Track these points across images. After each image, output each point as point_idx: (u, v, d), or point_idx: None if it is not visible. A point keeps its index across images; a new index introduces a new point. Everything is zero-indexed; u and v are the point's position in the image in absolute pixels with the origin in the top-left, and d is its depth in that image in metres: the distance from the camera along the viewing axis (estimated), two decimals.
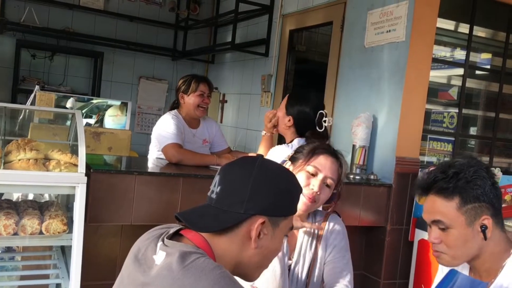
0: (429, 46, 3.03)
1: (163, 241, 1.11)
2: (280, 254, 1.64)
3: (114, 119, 4.90)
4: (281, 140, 3.53)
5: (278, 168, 1.23)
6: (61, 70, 5.79)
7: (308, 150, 1.72)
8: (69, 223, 2.10)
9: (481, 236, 1.37)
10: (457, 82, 3.44)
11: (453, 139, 3.41)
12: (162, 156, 2.94)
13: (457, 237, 1.38)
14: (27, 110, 3.24)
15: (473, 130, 3.77)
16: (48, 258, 2.40)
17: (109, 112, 4.96)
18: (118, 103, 4.93)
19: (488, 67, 3.73)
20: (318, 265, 1.75)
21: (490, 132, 3.68)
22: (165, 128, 2.95)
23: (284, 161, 1.79)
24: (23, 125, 3.10)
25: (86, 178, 2.05)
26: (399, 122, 2.96)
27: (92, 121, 5.00)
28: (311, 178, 1.67)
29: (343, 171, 1.74)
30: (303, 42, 4.65)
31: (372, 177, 3.00)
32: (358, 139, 3.03)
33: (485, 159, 3.65)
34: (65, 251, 2.36)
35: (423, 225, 2.95)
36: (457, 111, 3.41)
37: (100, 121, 4.93)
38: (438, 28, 3.10)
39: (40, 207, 2.20)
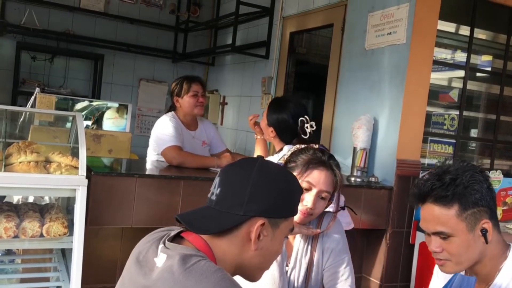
0: (430, 48, 3.03)
1: (164, 243, 1.11)
2: (278, 258, 1.63)
3: (114, 121, 4.90)
4: None
5: (278, 170, 1.23)
6: (62, 73, 5.79)
7: (301, 163, 1.68)
8: (70, 226, 2.10)
9: (482, 240, 1.36)
10: (458, 84, 3.44)
11: (454, 141, 3.41)
12: (161, 159, 2.93)
13: (459, 244, 1.36)
14: (28, 113, 3.24)
15: (474, 132, 3.77)
16: (49, 261, 2.40)
17: (107, 115, 4.96)
18: (116, 105, 4.93)
19: (489, 69, 3.73)
20: (315, 269, 1.73)
21: (491, 134, 3.67)
22: (163, 131, 2.93)
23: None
24: (23, 128, 3.10)
25: (86, 180, 2.05)
26: (400, 125, 2.96)
27: (89, 122, 4.99)
28: (305, 193, 1.66)
29: (339, 180, 1.72)
30: (303, 44, 4.65)
31: (372, 179, 3.00)
32: (359, 141, 3.03)
33: (486, 161, 3.64)
34: (65, 254, 2.35)
35: None
36: (458, 113, 3.40)
37: (96, 122, 4.92)
38: (438, 30, 3.10)
39: (40, 210, 2.20)
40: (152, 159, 3.08)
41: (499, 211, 3.21)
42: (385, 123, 3.06)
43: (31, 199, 2.59)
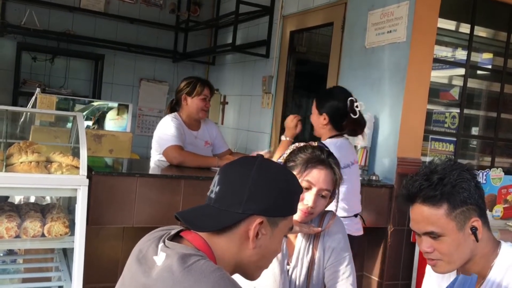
0: (430, 46, 3.03)
1: (164, 242, 1.11)
2: (279, 256, 1.63)
3: (116, 122, 4.90)
4: None
5: (277, 168, 1.22)
6: (62, 73, 5.79)
7: (301, 163, 1.68)
8: (71, 226, 2.10)
9: (472, 239, 1.36)
10: (459, 82, 3.44)
11: (455, 139, 3.40)
12: (163, 159, 2.94)
13: (450, 243, 1.36)
14: (28, 113, 3.24)
15: (474, 130, 3.77)
16: (50, 261, 2.40)
17: (109, 115, 4.97)
18: (115, 105, 4.93)
19: (490, 67, 3.73)
20: (316, 268, 1.73)
21: (491, 132, 3.67)
22: (165, 131, 2.95)
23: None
24: (24, 128, 3.10)
25: (87, 180, 2.05)
26: (400, 123, 2.96)
27: (89, 123, 5.00)
28: (305, 192, 1.66)
29: (338, 178, 1.72)
30: (303, 43, 4.65)
31: (373, 177, 3.00)
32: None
33: (487, 159, 3.64)
34: (67, 254, 2.36)
35: None
36: (458, 111, 3.40)
37: (97, 122, 4.92)
38: (439, 28, 3.10)
39: (42, 210, 2.20)
40: (155, 159, 3.09)
41: (500, 208, 3.20)
42: (386, 121, 3.06)
43: (32, 199, 2.59)
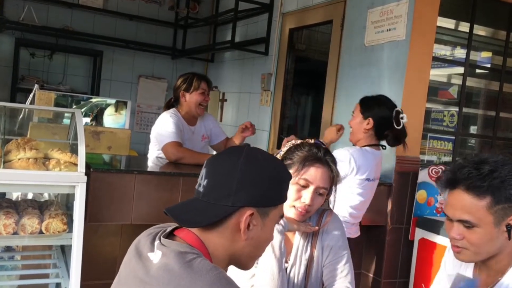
0: (430, 44, 3.03)
1: (160, 240, 1.11)
2: (277, 254, 1.63)
3: (114, 118, 4.90)
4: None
5: (265, 157, 1.20)
6: (61, 69, 5.78)
7: (298, 161, 1.68)
8: (69, 223, 2.09)
9: (505, 236, 1.35)
10: (457, 80, 3.44)
11: (454, 138, 3.41)
12: (162, 155, 2.94)
13: (482, 236, 1.34)
14: (27, 109, 3.23)
15: (473, 129, 3.77)
16: (48, 258, 2.39)
17: (107, 112, 4.96)
18: (114, 101, 4.93)
19: (489, 65, 3.73)
20: (314, 266, 1.73)
21: (490, 131, 3.68)
22: (164, 127, 2.95)
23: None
24: (22, 124, 3.10)
25: (86, 177, 2.05)
26: None
27: (88, 119, 4.99)
28: (302, 190, 1.65)
29: (335, 176, 1.71)
30: (303, 40, 4.64)
31: None
32: None
33: None
34: (65, 251, 2.35)
35: (423, 224, 2.95)
36: (457, 110, 3.40)
37: (96, 119, 4.91)
38: (438, 26, 3.10)
39: (40, 207, 2.20)
40: (154, 156, 3.09)
41: None
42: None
43: (30, 196, 2.59)
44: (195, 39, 6.22)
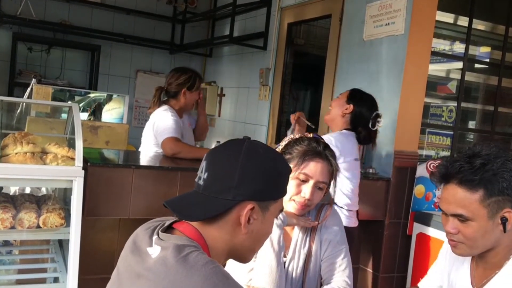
0: (428, 39, 3.02)
1: (158, 234, 1.10)
2: (276, 248, 1.63)
3: (112, 112, 4.89)
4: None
5: (265, 151, 1.18)
6: (58, 64, 5.76)
7: (297, 155, 1.68)
8: (67, 217, 2.09)
9: (500, 229, 1.35)
10: (456, 75, 3.44)
11: (452, 133, 3.41)
12: (160, 151, 2.97)
13: (476, 229, 1.35)
14: (24, 104, 3.22)
15: (472, 124, 3.77)
16: (46, 252, 2.39)
17: (106, 106, 4.95)
18: (112, 96, 4.92)
19: (487, 60, 3.73)
20: (313, 260, 1.73)
21: (489, 126, 3.68)
22: (164, 122, 2.98)
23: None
24: (20, 119, 3.09)
25: (83, 171, 2.04)
26: (397, 116, 2.95)
27: (86, 114, 4.97)
28: (302, 184, 1.65)
29: (335, 170, 1.71)
30: (301, 35, 4.63)
31: (370, 171, 3.00)
32: None
33: None
34: (62, 245, 2.35)
35: (421, 219, 2.95)
36: (456, 104, 3.40)
37: (93, 113, 4.90)
38: (437, 21, 3.09)
39: (37, 201, 2.19)
40: (152, 151, 3.10)
41: None
42: (383, 114, 3.05)
43: (27, 190, 2.58)
44: (193, 33, 6.20)
